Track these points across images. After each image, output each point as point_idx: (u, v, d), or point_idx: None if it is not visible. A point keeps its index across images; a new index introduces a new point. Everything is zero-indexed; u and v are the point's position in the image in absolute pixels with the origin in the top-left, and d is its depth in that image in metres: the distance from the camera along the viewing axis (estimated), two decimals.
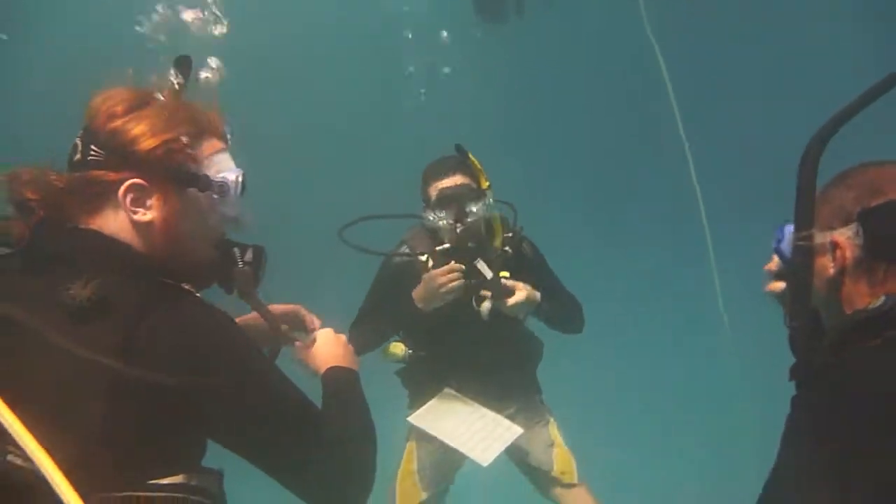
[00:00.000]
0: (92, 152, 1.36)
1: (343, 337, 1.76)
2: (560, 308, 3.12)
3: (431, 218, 3.02)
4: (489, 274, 2.95)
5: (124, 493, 1.22)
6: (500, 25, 6.99)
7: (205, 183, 1.43)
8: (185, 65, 1.50)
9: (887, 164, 1.46)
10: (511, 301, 2.89)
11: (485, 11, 6.95)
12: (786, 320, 1.49)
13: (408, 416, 3.21)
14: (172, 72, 1.48)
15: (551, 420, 3.26)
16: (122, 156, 1.36)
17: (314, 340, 1.72)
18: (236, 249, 1.54)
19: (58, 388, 1.22)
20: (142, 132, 1.37)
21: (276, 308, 1.71)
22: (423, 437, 3.15)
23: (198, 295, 1.41)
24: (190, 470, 1.32)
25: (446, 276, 2.86)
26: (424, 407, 3.09)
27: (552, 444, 3.19)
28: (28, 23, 6.72)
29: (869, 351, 1.31)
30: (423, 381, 3.17)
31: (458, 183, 2.98)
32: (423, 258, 3.05)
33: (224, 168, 1.47)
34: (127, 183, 1.36)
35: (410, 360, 3.12)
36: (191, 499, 1.29)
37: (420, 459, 3.19)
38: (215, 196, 1.44)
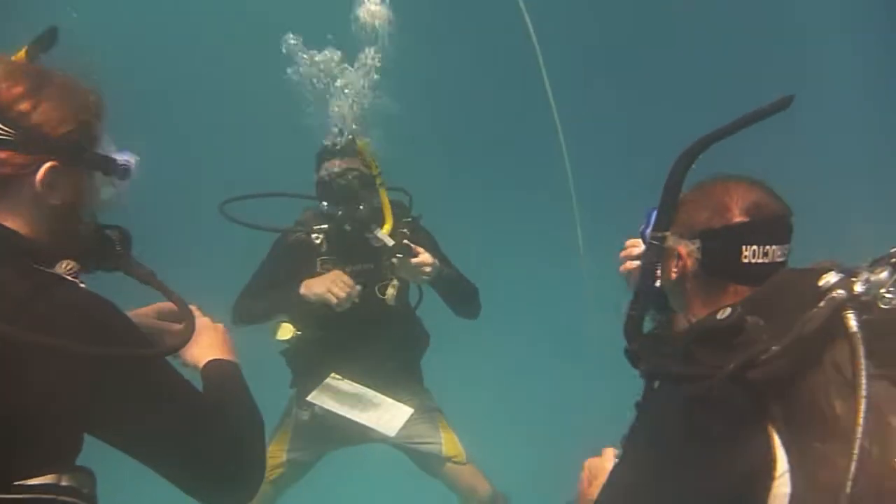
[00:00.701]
0: (1, 132, 1.30)
1: (221, 326, 1.68)
2: (459, 281, 3.19)
3: (320, 200, 3.06)
4: (390, 242, 2.98)
5: None
6: None
7: (111, 166, 1.42)
8: (50, 37, 1.48)
9: (738, 183, 1.58)
10: (416, 260, 2.93)
11: None
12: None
13: (292, 394, 3.22)
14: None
15: (436, 408, 3.33)
16: (37, 138, 1.32)
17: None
18: (109, 231, 1.50)
19: None
20: (57, 116, 1.34)
21: (146, 310, 1.65)
22: (301, 420, 3.16)
23: (80, 283, 1.34)
24: (61, 469, 1.25)
25: (346, 292, 2.87)
26: (318, 388, 3.08)
27: (439, 429, 3.26)
28: None
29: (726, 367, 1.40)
30: (309, 364, 3.16)
31: (349, 167, 3.01)
32: (319, 240, 3.06)
33: (114, 151, 1.45)
34: (46, 166, 1.32)
35: (298, 342, 3.10)
36: (59, 499, 1.22)
37: (292, 439, 3.20)
38: (117, 179, 1.44)
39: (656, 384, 1.55)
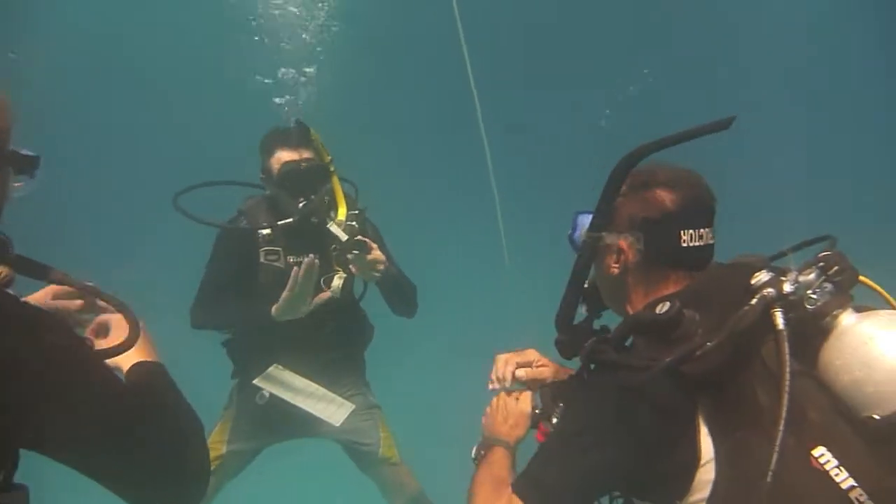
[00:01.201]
0: None
1: (141, 322, 1.54)
2: (402, 279, 3.20)
3: (273, 191, 3.01)
4: (344, 237, 2.97)
5: None
6: None
7: (23, 161, 1.36)
8: None
9: (667, 173, 1.67)
10: (370, 257, 2.92)
11: None
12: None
13: (233, 385, 3.20)
14: None
15: (376, 404, 3.34)
16: None
17: (105, 328, 1.59)
18: None
19: None
20: None
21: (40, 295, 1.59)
22: (243, 410, 3.14)
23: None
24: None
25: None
26: (262, 376, 3.05)
27: (378, 429, 3.27)
28: None
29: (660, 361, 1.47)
30: (251, 354, 3.13)
31: (303, 157, 2.99)
32: (266, 232, 3.03)
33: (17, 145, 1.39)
34: None
35: (240, 333, 3.08)
36: None
37: (232, 430, 3.17)
38: (27, 177, 1.38)
39: (591, 367, 1.61)
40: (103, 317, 1.61)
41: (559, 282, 1.72)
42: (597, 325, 1.81)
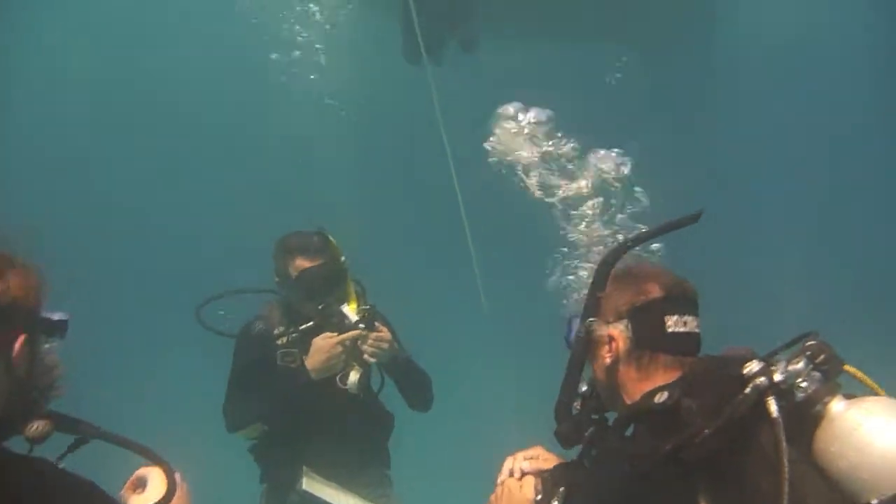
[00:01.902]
0: None
1: (178, 475, 1.65)
2: (415, 367, 3.30)
3: (289, 295, 3.18)
4: (354, 318, 3.10)
5: None
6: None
7: (60, 329, 1.53)
8: None
9: (649, 268, 1.82)
10: (377, 334, 3.06)
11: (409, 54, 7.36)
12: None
13: (263, 489, 3.28)
14: None
15: (393, 496, 3.39)
16: (13, 315, 1.43)
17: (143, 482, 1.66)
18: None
19: None
20: (22, 289, 1.46)
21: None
22: None
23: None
24: None
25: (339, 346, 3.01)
26: (307, 479, 3.11)
27: None
28: None
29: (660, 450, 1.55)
30: (278, 456, 3.21)
31: (321, 262, 3.15)
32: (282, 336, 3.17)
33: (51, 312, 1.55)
34: (22, 338, 1.44)
35: (265, 438, 3.17)
36: None
37: None
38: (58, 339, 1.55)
39: (592, 455, 1.70)
40: (141, 470, 1.67)
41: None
42: (594, 416, 1.86)
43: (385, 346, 3.09)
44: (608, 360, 1.76)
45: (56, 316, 1.53)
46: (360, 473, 3.22)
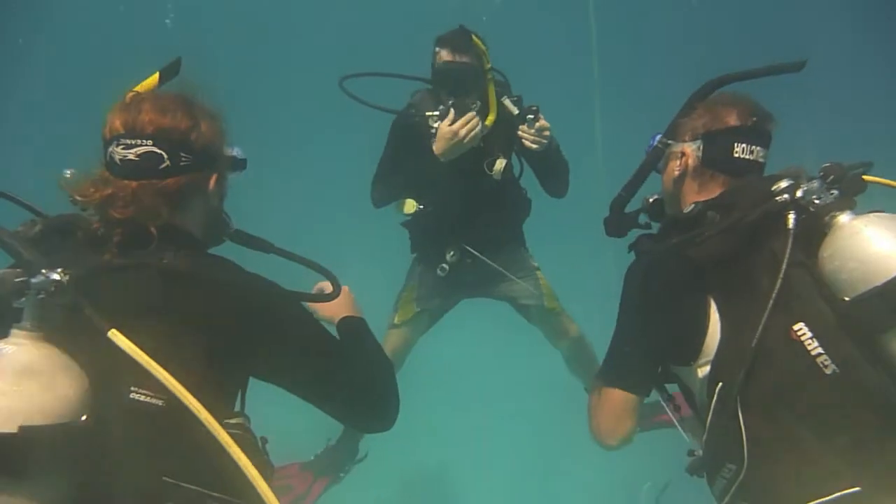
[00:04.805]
0: (183, 159, 1.59)
1: (351, 294, 1.98)
2: (559, 155, 3.51)
3: (434, 85, 3.40)
4: (515, 110, 3.32)
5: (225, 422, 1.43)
6: None
7: (241, 165, 1.76)
8: (175, 67, 1.76)
9: (732, 97, 1.96)
10: (539, 123, 3.24)
11: None
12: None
13: (414, 258, 3.78)
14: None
15: (536, 266, 3.77)
16: (206, 158, 1.64)
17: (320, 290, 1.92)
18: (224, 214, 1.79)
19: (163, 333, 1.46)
20: (212, 137, 1.65)
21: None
22: (425, 279, 3.71)
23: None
24: (241, 413, 1.59)
25: (466, 127, 3.19)
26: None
27: (539, 286, 3.73)
28: None
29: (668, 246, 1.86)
30: (427, 232, 3.66)
31: (460, 59, 3.27)
32: (434, 122, 3.33)
33: (232, 148, 1.76)
34: (214, 177, 1.67)
35: (418, 215, 3.58)
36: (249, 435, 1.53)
37: (418, 294, 3.74)
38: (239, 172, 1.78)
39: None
40: (318, 284, 1.98)
41: None
42: (643, 219, 2.11)
43: (547, 134, 3.27)
44: (677, 173, 1.99)
45: (237, 153, 1.75)
46: (500, 250, 3.61)
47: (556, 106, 3.55)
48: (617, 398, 1.90)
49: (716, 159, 1.93)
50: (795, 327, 1.67)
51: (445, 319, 3.86)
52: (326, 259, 1.93)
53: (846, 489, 1.60)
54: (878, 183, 1.85)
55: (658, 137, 2.02)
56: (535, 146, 3.31)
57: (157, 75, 1.74)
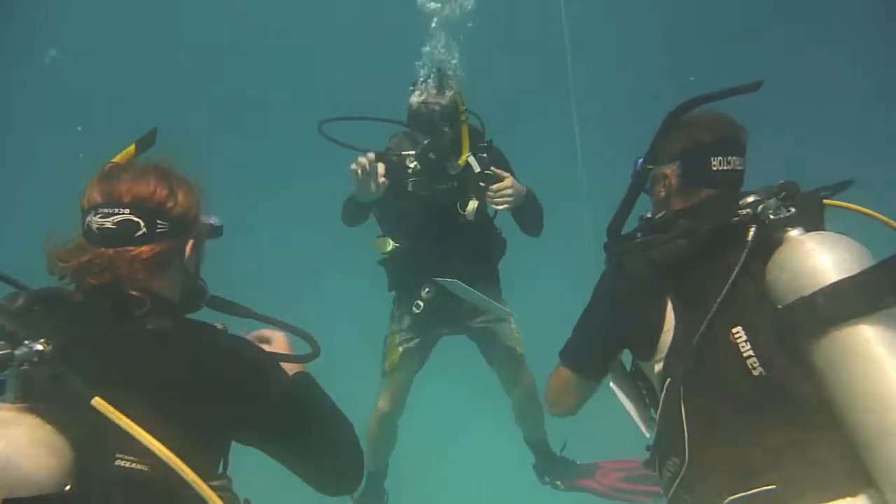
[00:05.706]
0: (159, 226, 1.63)
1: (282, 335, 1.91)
2: (533, 202, 3.58)
3: (409, 126, 3.51)
4: (477, 167, 3.42)
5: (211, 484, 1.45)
6: None
7: (217, 231, 1.81)
8: (152, 137, 1.82)
9: (702, 116, 2.06)
10: (497, 185, 3.34)
11: None
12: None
13: (393, 296, 3.84)
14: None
15: (509, 312, 3.81)
16: (186, 225, 1.68)
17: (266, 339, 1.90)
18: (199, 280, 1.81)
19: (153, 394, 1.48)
20: (191, 202, 1.69)
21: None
22: (405, 316, 3.78)
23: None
24: (224, 475, 1.61)
25: (359, 167, 3.21)
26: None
27: (512, 329, 3.83)
28: None
29: (631, 245, 2.03)
30: (403, 270, 3.73)
31: (434, 100, 3.40)
32: (413, 164, 3.45)
33: (209, 216, 1.79)
34: (190, 243, 1.70)
35: (395, 253, 3.65)
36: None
37: (401, 335, 3.80)
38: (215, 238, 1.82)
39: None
40: (262, 331, 1.92)
41: None
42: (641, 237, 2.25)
43: (510, 194, 3.36)
44: (663, 193, 2.12)
45: (214, 221, 1.80)
46: (474, 287, 3.63)
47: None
48: (564, 375, 2.16)
49: (695, 176, 2.05)
50: (734, 330, 1.82)
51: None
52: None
53: (765, 486, 1.73)
54: (839, 206, 2.02)
55: (640, 161, 2.12)
56: (499, 207, 3.43)
57: (132, 146, 1.78)
